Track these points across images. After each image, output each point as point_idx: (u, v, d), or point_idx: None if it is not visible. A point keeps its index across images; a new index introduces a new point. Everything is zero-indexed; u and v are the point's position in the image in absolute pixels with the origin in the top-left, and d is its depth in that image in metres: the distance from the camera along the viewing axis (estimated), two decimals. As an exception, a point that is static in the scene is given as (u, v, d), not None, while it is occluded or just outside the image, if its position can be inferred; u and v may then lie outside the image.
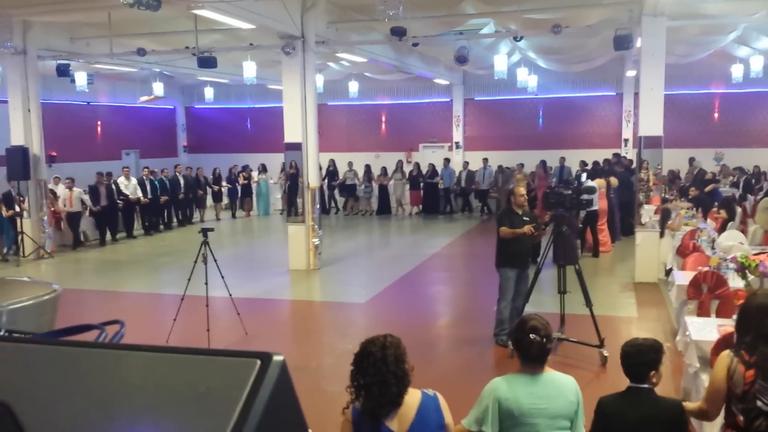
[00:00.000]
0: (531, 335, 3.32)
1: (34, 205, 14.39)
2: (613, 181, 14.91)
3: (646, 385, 3.41)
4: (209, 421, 1.18)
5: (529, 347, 3.33)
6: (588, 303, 7.49)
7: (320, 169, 15.16)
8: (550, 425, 3.28)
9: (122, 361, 1.35)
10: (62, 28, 14.50)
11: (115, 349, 1.48)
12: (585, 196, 7.79)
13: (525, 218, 7.77)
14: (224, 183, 21.08)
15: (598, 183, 13.86)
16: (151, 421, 1.22)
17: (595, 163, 18.52)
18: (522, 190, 8.13)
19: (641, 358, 3.43)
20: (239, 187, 21.44)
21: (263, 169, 21.82)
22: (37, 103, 14.34)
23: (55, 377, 1.33)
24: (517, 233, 7.59)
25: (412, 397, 3.13)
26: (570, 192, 7.71)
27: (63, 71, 15.34)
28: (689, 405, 3.78)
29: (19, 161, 13.88)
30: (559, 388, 3.36)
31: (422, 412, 3.10)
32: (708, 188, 15.64)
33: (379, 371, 3.04)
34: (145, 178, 17.88)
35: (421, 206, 21.25)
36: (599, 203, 13.49)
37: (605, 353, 7.06)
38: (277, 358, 1.26)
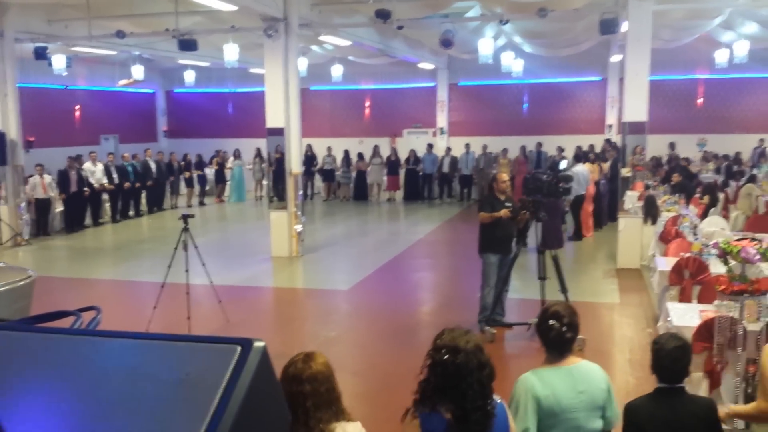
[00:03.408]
0: (550, 321, 3.22)
1: (12, 191, 14.17)
2: (605, 166, 15.01)
3: (681, 385, 3.34)
4: (190, 406, 1.16)
5: (547, 333, 3.22)
6: (563, 290, 7.51)
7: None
8: (589, 416, 3.18)
9: (99, 347, 1.32)
10: (40, 9, 14.22)
11: (92, 335, 1.44)
12: (563, 184, 7.78)
13: (507, 204, 7.77)
14: (193, 169, 20.76)
15: (588, 168, 13.94)
16: (131, 408, 1.19)
17: (578, 148, 18.61)
18: (505, 176, 8.13)
19: (687, 358, 3.36)
20: (208, 173, 21.13)
21: (238, 155, 21.66)
22: (14, 86, 14.08)
23: (32, 364, 1.30)
24: (494, 216, 7.61)
25: None
26: (548, 178, 7.71)
27: (40, 54, 15.03)
28: (739, 408, 3.69)
29: (-5, 146, 13.64)
30: (591, 378, 3.25)
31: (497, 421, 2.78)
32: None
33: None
34: (110, 163, 17.46)
35: (398, 192, 21.23)
36: (588, 188, 13.60)
37: (582, 338, 7.08)
38: (258, 344, 1.26)
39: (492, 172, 16.38)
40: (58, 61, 16.00)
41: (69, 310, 1.76)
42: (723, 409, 3.60)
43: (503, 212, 7.60)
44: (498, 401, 2.78)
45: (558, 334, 3.21)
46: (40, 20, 14.48)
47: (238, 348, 1.24)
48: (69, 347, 1.37)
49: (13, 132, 14.09)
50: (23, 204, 14.43)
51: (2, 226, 13.91)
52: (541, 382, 3.17)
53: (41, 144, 18.78)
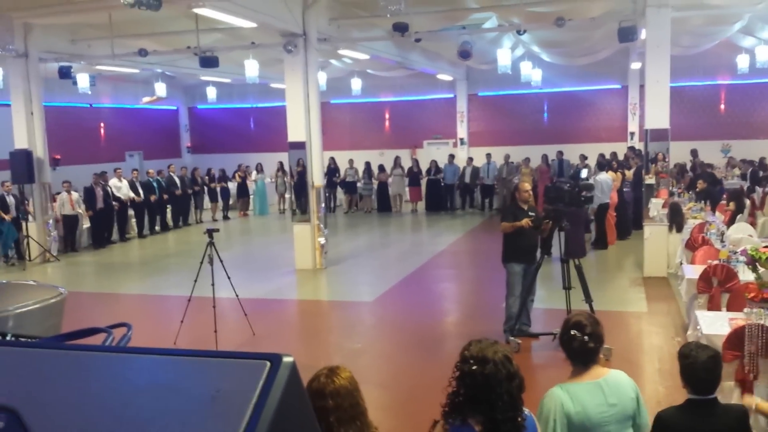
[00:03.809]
0: (572, 332, 3.18)
1: (39, 208, 14.40)
2: (628, 174, 14.89)
3: (714, 396, 3.30)
4: (221, 423, 1.17)
5: (569, 343, 3.18)
6: (587, 299, 7.44)
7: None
8: (620, 428, 3.13)
9: (131, 364, 1.33)
10: (63, 29, 14.48)
11: (123, 352, 1.45)
12: (585, 193, 7.73)
13: (530, 213, 7.72)
14: (216, 183, 20.92)
15: (611, 176, 13.86)
16: (162, 425, 1.20)
17: (601, 156, 18.48)
18: (527, 185, 8.08)
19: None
20: (231, 187, 21.26)
21: (260, 168, 21.81)
22: (39, 105, 14.33)
23: (63, 382, 1.31)
24: (515, 226, 7.58)
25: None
26: (570, 187, 7.67)
27: (65, 73, 15.35)
28: (766, 405, 3.64)
29: (23, 164, 13.86)
30: (621, 389, 3.19)
31: None
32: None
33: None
34: (135, 179, 17.70)
35: (420, 203, 21.24)
36: (611, 196, 13.52)
37: (609, 347, 7.01)
38: (287, 359, 1.26)
39: (514, 181, 16.32)
40: (83, 80, 16.28)
41: (100, 327, 1.78)
42: (750, 400, 3.56)
43: (525, 221, 7.56)
44: (527, 414, 2.74)
45: (581, 345, 3.16)
46: (64, 40, 14.75)
47: (268, 364, 1.23)
48: (101, 364, 1.39)
49: (40, 150, 14.33)
50: (51, 221, 14.64)
51: (31, 243, 14.11)
52: (571, 398, 3.11)
53: (67, 162, 19.09)
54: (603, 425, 3.10)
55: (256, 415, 1.15)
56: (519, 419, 2.63)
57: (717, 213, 11.65)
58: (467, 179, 20.90)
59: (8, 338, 1.70)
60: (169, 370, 1.31)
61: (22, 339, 1.73)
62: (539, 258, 7.87)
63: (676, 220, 11.23)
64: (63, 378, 1.34)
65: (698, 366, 3.28)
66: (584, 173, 11.38)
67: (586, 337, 3.16)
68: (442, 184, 21.10)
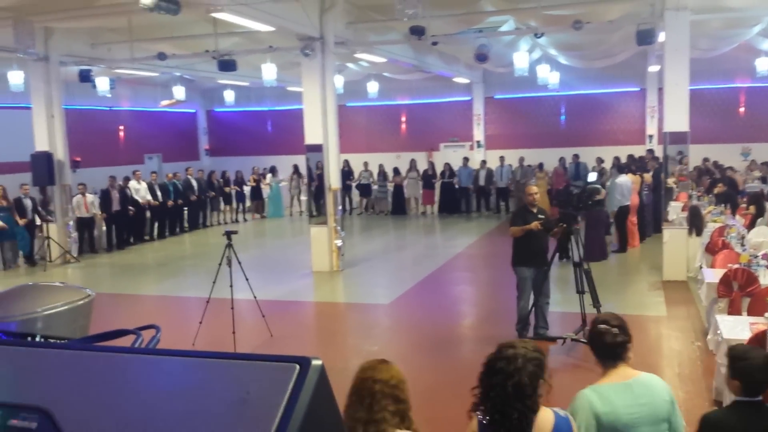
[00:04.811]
0: (601, 326, 3.19)
1: (60, 210, 14.56)
2: (647, 177, 14.79)
3: (760, 398, 3.27)
4: (251, 425, 1.17)
5: (601, 338, 3.17)
6: (596, 303, 7.41)
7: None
8: (652, 430, 3.10)
9: (161, 366, 1.35)
10: (84, 33, 14.64)
11: (153, 354, 1.47)
12: (597, 196, 7.71)
13: (540, 216, 7.71)
14: (232, 186, 21.00)
15: (631, 179, 13.79)
16: (192, 427, 1.21)
17: (616, 159, 18.41)
18: (534, 189, 8.08)
19: None
20: (246, 190, 21.38)
21: (274, 171, 21.86)
22: (60, 108, 14.49)
23: (95, 383, 1.32)
24: (524, 230, 7.58)
25: (546, 418, 2.78)
26: (578, 191, 7.66)
27: (85, 77, 15.51)
28: None
29: (43, 167, 14.04)
30: (653, 390, 3.16)
31: None
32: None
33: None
34: (154, 182, 17.82)
35: (434, 206, 21.22)
36: (632, 198, 13.45)
37: None
38: (316, 362, 1.26)
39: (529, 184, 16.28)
40: (102, 83, 16.45)
41: (129, 329, 1.81)
42: None
43: (534, 225, 7.56)
44: (563, 415, 2.79)
45: (612, 337, 3.16)
46: (84, 44, 14.90)
47: (297, 366, 1.24)
48: (131, 366, 1.40)
49: (61, 152, 14.49)
50: (71, 222, 14.80)
51: (52, 244, 14.26)
52: (600, 399, 3.10)
53: (87, 164, 19.27)
54: (633, 426, 3.08)
55: (286, 418, 1.16)
56: (528, 415, 2.67)
57: (737, 216, 11.54)
58: (481, 182, 20.86)
59: (37, 340, 1.72)
60: (199, 372, 1.32)
61: (51, 340, 1.75)
62: (549, 263, 7.84)
63: (695, 223, 11.15)
64: (94, 379, 1.35)
65: (755, 367, 3.27)
66: (592, 176, 11.17)
67: (615, 329, 3.17)
68: (457, 187, 21.07)
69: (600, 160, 18.75)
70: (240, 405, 1.22)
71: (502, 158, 20.87)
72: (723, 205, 12.36)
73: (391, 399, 2.81)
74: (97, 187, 16.40)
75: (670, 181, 11.37)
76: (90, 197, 15.63)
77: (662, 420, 3.13)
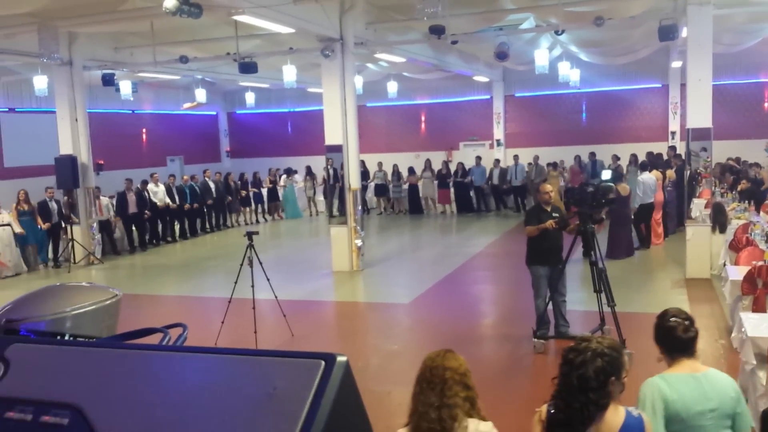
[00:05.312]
0: (672, 319, 3.20)
1: (83, 212, 14.74)
2: (670, 174, 14.65)
3: None
4: (278, 421, 1.19)
5: (673, 331, 3.17)
6: (610, 302, 7.35)
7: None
8: (717, 425, 3.09)
9: (189, 363, 1.37)
10: (107, 38, 14.83)
11: (181, 351, 1.49)
12: (611, 195, 7.66)
13: (554, 214, 7.66)
14: (250, 188, 21.09)
15: (655, 176, 13.67)
16: (221, 423, 1.23)
17: (633, 156, 18.23)
18: (548, 187, 8.03)
19: None
20: (264, 191, 21.43)
21: (290, 172, 21.95)
22: (83, 112, 14.69)
23: (124, 380, 1.34)
24: (539, 228, 7.55)
25: (615, 416, 2.76)
26: (592, 190, 7.60)
27: (108, 81, 15.71)
28: None
29: (68, 170, 14.25)
30: (721, 386, 3.15)
31: None
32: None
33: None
34: (171, 184, 17.90)
35: (450, 205, 21.19)
36: (656, 196, 13.33)
37: (630, 351, 6.91)
38: (341, 358, 1.27)
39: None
40: (125, 87, 16.66)
41: (156, 327, 1.84)
42: None
43: (549, 223, 7.52)
44: (636, 415, 2.79)
45: (684, 330, 3.17)
46: (107, 48, 15.09)
47: (322, 363, 1.25)
48: (160, 363, 1.42)
49: (84, 155, 14.69)
50: (95, 224, 14.98)
51: (76, 245, 14.45)
52: (669, 386, 3.12)
53: (110, 167, 19.49)
54: (699, 419, 3.07)
55: (312, 414, 1.17)
56: (590, 408, 2.69)
57: (761, 213, 11.39)
58: (495, 181, 20.77)
59: (66, 339, 1.76)
60: (226, 368, 1.34)
61: (80, 339, 1.79)
62: (565, 261, 7.79)
63: (719, 220, 11.02)
64: (124, 376, 1.37)
65: None
66: (606, 174, 10.91)
67: (687, 322, 3.18)
68: (472, 186, 21.00)
69: (616, 158, 18.58)
70: (267, 400, 1.23)
71: (515, 157, 20.79)
72: (747, 201, 12.21)
73: (461, 386, 2.92)
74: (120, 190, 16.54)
75: (703, 182, 11.18)
76: (105, 200, 15.74)
77: (727, 416, 3.12)
